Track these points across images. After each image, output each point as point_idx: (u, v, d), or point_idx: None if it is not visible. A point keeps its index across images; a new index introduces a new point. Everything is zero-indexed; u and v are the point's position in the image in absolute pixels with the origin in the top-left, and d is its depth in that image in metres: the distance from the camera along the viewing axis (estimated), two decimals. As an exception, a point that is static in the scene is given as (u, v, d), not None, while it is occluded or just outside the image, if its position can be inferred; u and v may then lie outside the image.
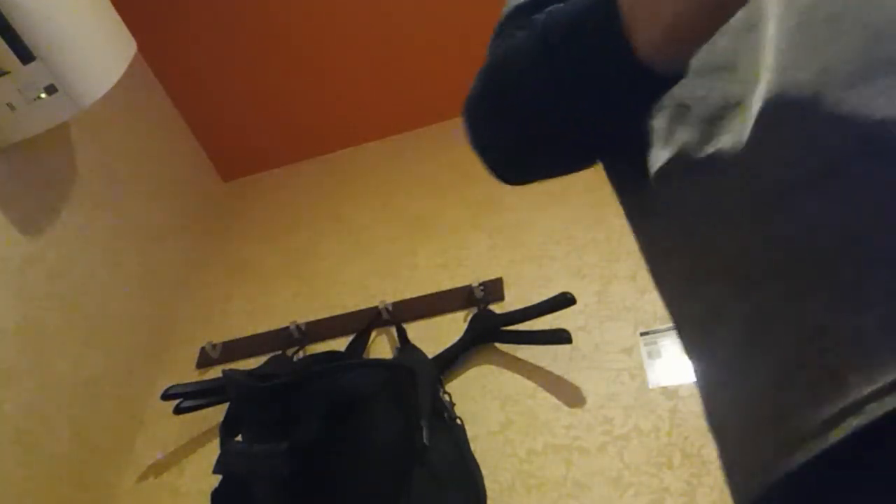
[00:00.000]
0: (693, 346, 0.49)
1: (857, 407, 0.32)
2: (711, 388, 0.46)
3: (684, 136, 0.47)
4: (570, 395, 1.42)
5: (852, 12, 0.43)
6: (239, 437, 1.36)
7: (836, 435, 0.33)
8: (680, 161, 0.47)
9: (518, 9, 0.54)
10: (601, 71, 0.44)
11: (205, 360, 1.80)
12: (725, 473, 0.43)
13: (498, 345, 1.56)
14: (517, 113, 0.51)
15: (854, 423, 0.32)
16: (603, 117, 0.48)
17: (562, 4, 0.48)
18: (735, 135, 0.44)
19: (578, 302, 1.47)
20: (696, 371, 0.48)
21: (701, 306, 0.46)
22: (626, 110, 0.48)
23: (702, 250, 0.45)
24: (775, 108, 0.42)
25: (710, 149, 0.45)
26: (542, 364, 1.49)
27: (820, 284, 0.37)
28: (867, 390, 0.32)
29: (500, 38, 0.54)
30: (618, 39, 0.42)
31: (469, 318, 1.62)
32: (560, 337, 1.44)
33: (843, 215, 0.38)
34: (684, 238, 0.47)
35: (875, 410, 0.32)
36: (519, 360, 1.52)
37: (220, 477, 1.33)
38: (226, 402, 1.51)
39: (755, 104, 0.43)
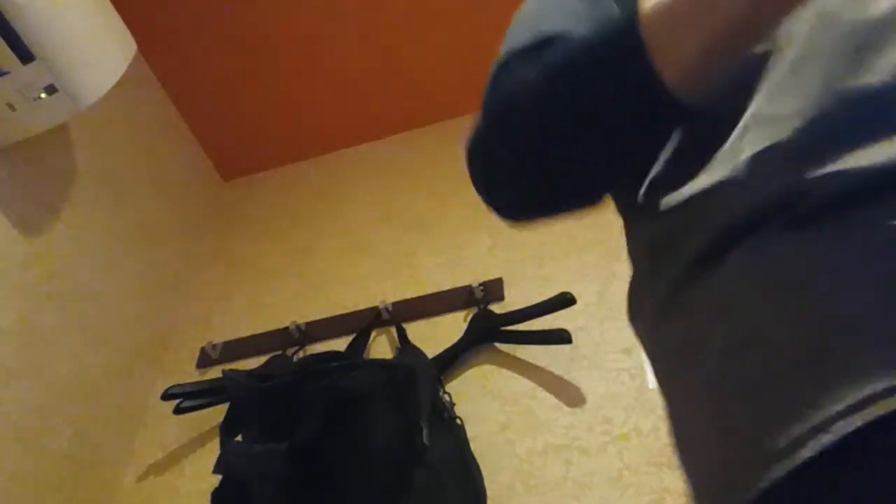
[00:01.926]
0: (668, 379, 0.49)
1: (824, 425, 0.33)
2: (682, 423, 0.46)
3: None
4: (570, 395, 1.42)
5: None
6: (239, 437, 1.37)
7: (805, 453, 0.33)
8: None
9: (513, 54, 0.53)
10: (626, 99, 0.44)
11: (205, 360, 1.80)
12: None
13: (498, 345, 1.56)
14: (529, 149, 0.50)
15: (823, 440, 0.32)
16: (621, 149, 0.48)
17: (570, 39, 0.47)
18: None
19: (578, 302, 1.47)
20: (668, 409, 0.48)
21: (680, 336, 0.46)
22: (646, 141, 0.48)
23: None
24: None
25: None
26: (542, 364, 1.49)
27: None
28: (834, 409, 0.33)
29: (501, 78, 0.53)
30: (645, 65, 0.41)
31: (469, 318, 1.62)
32: (560, 337, 1.44)
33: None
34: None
35: (842, 428, 0.32)
36: (519, 360, 1.52)
37: (220, 477, 1.33)
38: (226, 402, 1.51)
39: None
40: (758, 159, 0.43)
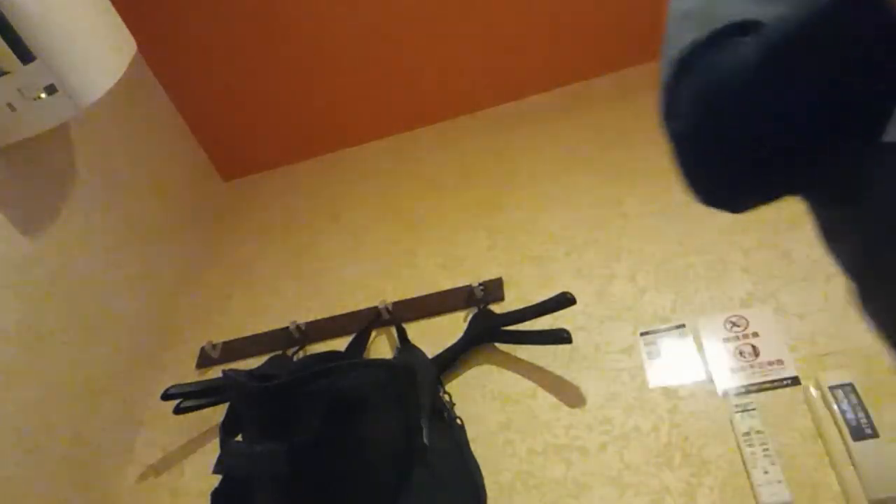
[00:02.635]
0: None
1: None
2: None
3: None
4: (570, 395, 1.42)
5: None
6: (239, 437, 1.36)
7: None
8: None
9: (699, 45, 0.52)
10: (870, 59, 0.43)
11: (205, 360, 1.80)
12: None
13: (498, 345, 1.56)
14: (757, 131, 0.49)
15: None
16: (859, 111, 0.46)
17: (785, 16, 0.46)
18: None
19: (578, 302, 1.47)
20: None
21: None
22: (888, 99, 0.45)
23: None
24: None
25: None
26: (542, 364, 1.49)
27: None
28: None
29: (696, 69, 0.52)
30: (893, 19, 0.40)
31: (469, 318, 1.62)
32: (560, 337, 1.44)
33: None
34: None
35: None
36: (519, 360, 1.52)
37: (220, 477, 1.33)
38: (226, 402, 1.52)
39: None
40: None
